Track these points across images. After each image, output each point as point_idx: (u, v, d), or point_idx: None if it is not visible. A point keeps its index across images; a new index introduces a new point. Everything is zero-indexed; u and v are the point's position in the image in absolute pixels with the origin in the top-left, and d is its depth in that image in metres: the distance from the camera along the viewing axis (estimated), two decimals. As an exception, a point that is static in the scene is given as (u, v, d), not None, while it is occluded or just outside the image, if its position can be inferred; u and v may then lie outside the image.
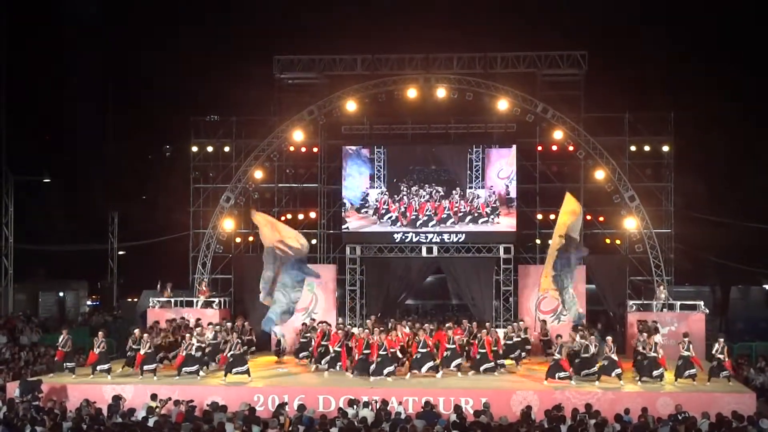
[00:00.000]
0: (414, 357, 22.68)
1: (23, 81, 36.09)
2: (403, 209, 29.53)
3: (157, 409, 18.33)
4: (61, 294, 39.06)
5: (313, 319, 26.53)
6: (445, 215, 29.35)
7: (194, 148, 31.32)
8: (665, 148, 30.02)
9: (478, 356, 23.11)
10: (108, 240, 38.87)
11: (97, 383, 21.51)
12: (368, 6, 37.06)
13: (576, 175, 30.06)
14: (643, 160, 30.09)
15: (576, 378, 21.59)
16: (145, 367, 22.17)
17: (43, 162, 36.04)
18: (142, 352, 22.38)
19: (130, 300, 40.08)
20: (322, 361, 23.47)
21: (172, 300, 28.43)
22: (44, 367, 24.89)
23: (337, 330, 24.36)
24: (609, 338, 22.26)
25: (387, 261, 30.14)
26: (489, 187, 29.34)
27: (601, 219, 30.70)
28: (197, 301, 28.29)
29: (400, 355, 22.97)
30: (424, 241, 29.55)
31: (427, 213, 29.37)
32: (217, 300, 28.48)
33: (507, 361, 23.93)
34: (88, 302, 41.56)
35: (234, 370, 21.87)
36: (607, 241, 31.25)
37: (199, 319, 26.12)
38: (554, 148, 29.98)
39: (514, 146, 29.54)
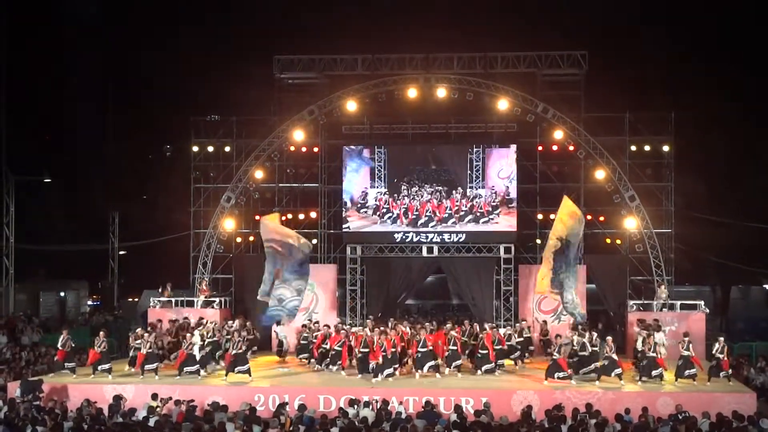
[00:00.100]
0: (415, 357, 22.70)
1: (23, 81, 36.12)
2: (404, 209, 29.55)
3: (158, 409, 18.34)
4: (61, 294, 39.09)
5: (310, 320, 26.56)
6: (446, 215, 29.36)
7: (195, 148, 31.33)
8: (665, 148, 30.02)
9: (479, 356, 23.12)
10: (108, 240, 38.89)
11: (98, 383, 21.52)
12: (368, 6, 37.10)
13: (576, 175, 30.08)
14: (643, 160, 30.10)
15: (576, 378, 21.61)
16: (146, 367, 22.19)
17: (43, 162, 36.05)
18: (143, 351, 22.40)
19: (130, 300, 40.14)
20: (323, 363, 23.51)
21: (173, 300, 28.43)
22: (45, 367, 24.90)
23: (336, 330, 24.35)
24: (609, 338, 22.27)
25: (387, 261, 30.15)
26: (489, 187, 29.35)
27: (602, 219, 30.71)
28: (197, 301, 28.30)
29: (399, 356, 22.99)
30: (425, 240, 29.56)
31: (428, 213, 29.38)
32: (217, 300, 28.49)
33: (506, 362, 23.93)
34: (89, 302, 41.59)
35: (236, 369, 21.91)
36: (608, 240, 31.26)
37: (201, 318, 26.18)
38: (554, 147, 29.98)
39: (513, 146, 29.55)
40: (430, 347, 22.69)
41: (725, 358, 21.80)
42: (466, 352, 24.12)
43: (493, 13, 36.63)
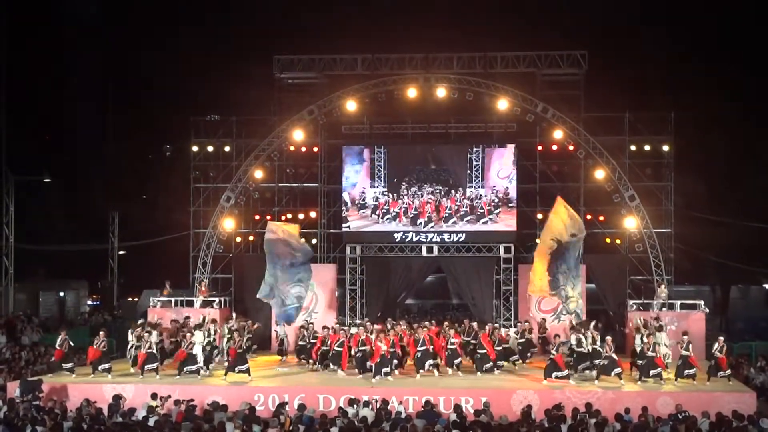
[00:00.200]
0: (415, 356, 22.70)
1: (23, 81, 36.11)
2: (403, 207, 29.55)
3: (158, 408, 18.33)
4: (61, 294, 39.08)
5: (307, 320, 26.54)
6: (445, 214, 29.37)
7: (194, 148, 31.33)
8: (665, 148, 30.02)
9: (478, 356, 23.12)
10: (108, 240, 38.88)
11: (98, 383, 21.51)
12: (368, 6, 37.11)
13: (576, 175, 30.08)
14: (643, 160, 30.09)
15: (574, 377, 21.62)
16: (147, 367, 22.18)
17: (43, 162, 36.05)
18: (143, 351, 22.39)
19: (130, 299, 40.12)
20: (323, 364, 23.50)
21: (172, 300, 28.42)
22: (45, 367, 24.86)
23: (334, 331, 24.29)
24: (608, 338, 22.26)
25: (387, 260, 30.16)
26: (489, 186, 29.36)
27: (601, 218, 30.69)
28: (197, 301, 28.28)
29: (399, 353, 22.99)
30: (425, 240, 29.57)
31: (428, 213, 29.37)
32: (217, 299, 28.48)
33: (505, 363, 23.92)
34: (89, 302, 41.58)
35: (236, 369, 21.91)
36: (607, 240, 31.25)
37: (203, 318, 26.12)
38: (554, 147, 29.98)
39: (512, 145, 29.53)
40: (430, 347, 22.70)
41: (722, 356, 21.79)
42: (468, 350, 24.09)
43: (492, 13, 36.65)
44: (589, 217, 29.72)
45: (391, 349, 22.32)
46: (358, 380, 21.98)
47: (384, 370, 21.80)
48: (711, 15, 35.72)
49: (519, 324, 25.85)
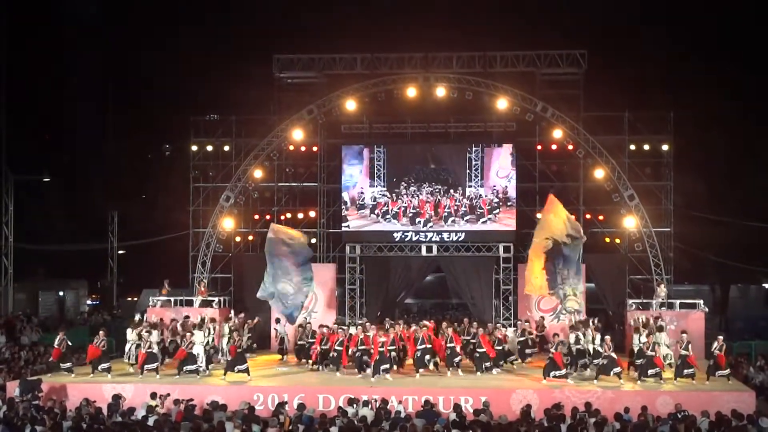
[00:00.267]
0: (415, 356, 22.71)
1: (23, 81, 36.13)
2: (403, 207, 29.55)
3: (157, 408, 18.33)
4: (60, 293, 39.12)
5: (306, 318, 26.54)
6: (445, 213, 29.37)
7: (194, 148, 31.33)
8: (665, 147, 30.03)
9: (477, 356, 23.12)
10: (108, 239, 38.93)
11: (97, 382, 21.50)
12: (368, 6, 37.14)
13: (575, 174, 30.09)
14: (642, 159, 30.10)
15: (573, 377, 21.62)
16: (147, 367, 22.18)
17: (43, 162, 36.10)
18: (143, 350, 22.39)
19: (130, 299, 40.14)
20: (323, 364, 23.49)
21: (172, 299, 28.41)
22: (44, 367, 24.90)
23: (332, 331, 24.28)
24: (608, 337, 22.27)
25: (387, 260, 30.16)
26: (489, 186, 29.36)
27: (601, 218, 30.69)
28: (196, 300, 28.28)
29: (398, 351, 23.01)
30: (424, 240, 29.57)
31: (427, 213, 29.37)
32: (216, 299, 28.47)
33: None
34: (88, 301, 41.64)
35: (235, 368, 21.92)
36: (607, 240, 31.24)
37: (203, 317, 26.11)
38: (554, 147, 29.98)
39: (509, 144, 29.49)
40: (429, 345, 22.71)
41: (721, 353, 21.79)
42: (467, 350, 24.09)
43: (492, 13, 36.68)
44: (588, 216, 29.75)
45: (390, 347, 22.33)
46: (357, 380, 21.97)
47: (383, 367, 21.82)
48: (711, 15, 35.77)
49: (518, 323, 25.84)
